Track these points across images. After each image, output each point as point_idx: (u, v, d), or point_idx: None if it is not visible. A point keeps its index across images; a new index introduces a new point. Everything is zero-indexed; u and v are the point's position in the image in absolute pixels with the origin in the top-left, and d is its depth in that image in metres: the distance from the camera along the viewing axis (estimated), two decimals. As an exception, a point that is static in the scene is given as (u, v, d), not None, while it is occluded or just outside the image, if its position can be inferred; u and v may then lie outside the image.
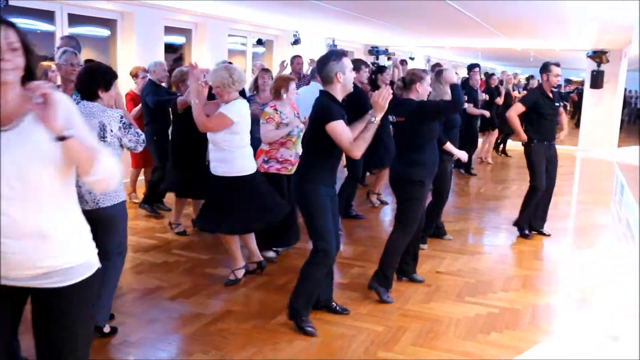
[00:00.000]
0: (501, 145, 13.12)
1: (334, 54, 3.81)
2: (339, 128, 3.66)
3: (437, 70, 5.68)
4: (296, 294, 4.00)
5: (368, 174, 8.68)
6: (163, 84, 6.78)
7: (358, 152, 3.71)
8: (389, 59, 17.36)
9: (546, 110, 6.12)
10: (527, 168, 6.35)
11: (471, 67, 10.00)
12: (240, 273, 4.91)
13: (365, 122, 3.80)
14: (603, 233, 6.89)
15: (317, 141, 3.84)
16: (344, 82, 3.76)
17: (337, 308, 4.33)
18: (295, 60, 8.56)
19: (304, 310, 4.00)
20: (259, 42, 12.42)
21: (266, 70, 6.46)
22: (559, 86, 24.42)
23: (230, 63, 8.21)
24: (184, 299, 4.57)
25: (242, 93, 5.81)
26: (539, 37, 13.23)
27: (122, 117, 3.66)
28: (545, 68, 6.12)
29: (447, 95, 5.67)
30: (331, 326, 4.12)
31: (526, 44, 15.02)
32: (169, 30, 9.90)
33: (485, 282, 5.09)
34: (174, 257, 5.53)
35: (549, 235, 6.53)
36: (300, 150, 5.11)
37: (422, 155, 4.53)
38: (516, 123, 6.13)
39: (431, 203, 5.83)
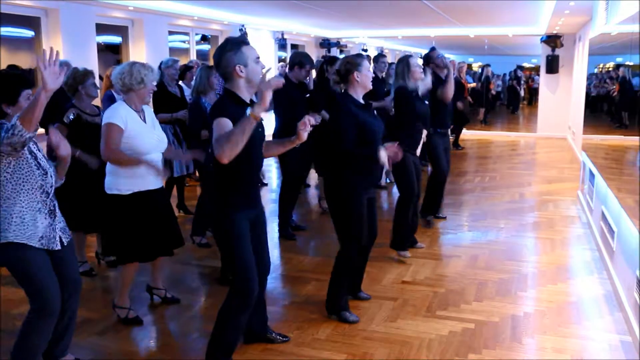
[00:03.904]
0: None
1: (229, 43, 3.07)
2: (221, 124, 2.90)
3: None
4: (214, 345, 3.23)
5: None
6: None
7: (220, 151, 2.82)
8: (341, 51, 16.88)
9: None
10: (429, 157, 6.34)
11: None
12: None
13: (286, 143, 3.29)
14: (571, 225, 6.51)
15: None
16: (248, 75, 3.03)
17: (277, 337, 3.74)
18: None
19: None
20: (204, 38, 11.78)
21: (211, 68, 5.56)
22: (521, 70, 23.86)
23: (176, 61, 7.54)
24: (115, 333, 3.95)
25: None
26: (492, 23, 12.91)
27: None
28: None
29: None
30: (284, 359, 3.57)
31: (480, 31, 14.73)
32: (103, 28, 9.18)
33: (456, 291, 4.60)
34: (105, 282, 4.89)
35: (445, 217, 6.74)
36: None
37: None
38: None
39: (397, 203, 5.39)
